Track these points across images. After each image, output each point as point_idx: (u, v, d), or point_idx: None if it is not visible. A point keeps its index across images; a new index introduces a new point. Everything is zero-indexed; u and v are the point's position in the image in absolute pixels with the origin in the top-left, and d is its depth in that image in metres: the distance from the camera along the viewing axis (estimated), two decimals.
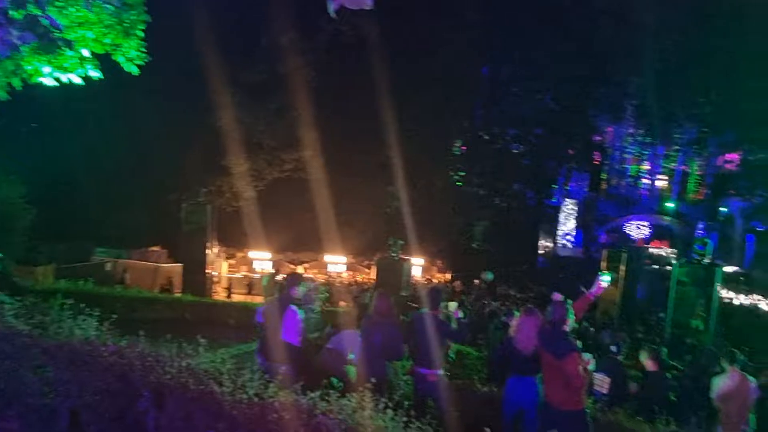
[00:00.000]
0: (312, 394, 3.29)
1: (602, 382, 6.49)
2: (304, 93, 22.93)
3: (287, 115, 24.09)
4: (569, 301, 5.30)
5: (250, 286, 22.83)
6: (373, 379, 3.96)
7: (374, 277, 18.86)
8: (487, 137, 34.93)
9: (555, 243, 38.05)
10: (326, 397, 3.31)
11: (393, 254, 16.34)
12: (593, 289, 5.58)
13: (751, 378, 6.40)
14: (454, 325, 6.09)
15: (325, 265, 27.82)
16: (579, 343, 5.55)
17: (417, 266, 24.60)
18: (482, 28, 30.75)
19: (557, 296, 5.65)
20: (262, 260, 25.97)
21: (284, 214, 25.85)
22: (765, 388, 6.73)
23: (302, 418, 3.11)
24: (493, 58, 34.11)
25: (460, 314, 6.49)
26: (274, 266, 25.72)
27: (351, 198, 26.62)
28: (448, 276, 27.72)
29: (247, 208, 24.73)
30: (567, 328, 5.12)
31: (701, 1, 32.86)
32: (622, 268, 18.37)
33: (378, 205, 29.16)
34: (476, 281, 19.60)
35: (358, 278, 26.06)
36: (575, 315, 5.21)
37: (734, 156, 40.92)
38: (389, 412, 3.22)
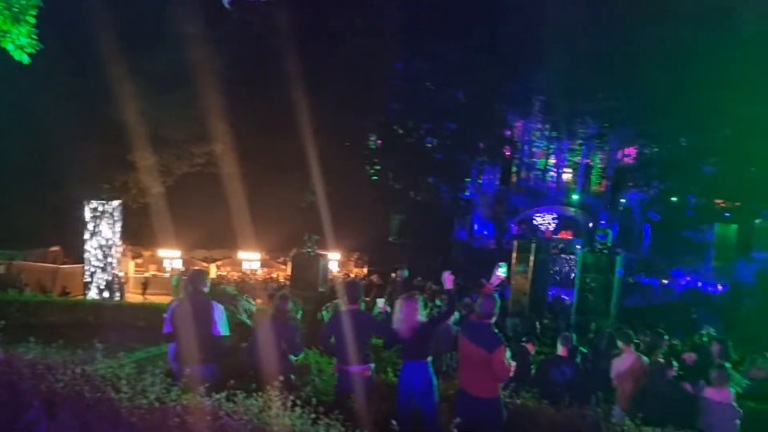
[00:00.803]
0: (217, 396, 3.17)
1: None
2: (214, 84, 22.22)
3: (196, 107, 23.26)
4: (496, 295, 5.39)
5: (145, 285, 22.18)
6: (281, 377, 3.88)
7: (290, 274, 18.61)
8: (401, 131, 35.31)
9: (469, 235, 39.06)
10: (233, 398, 3.20)
11: (308, 249, 16.19)
12: (492, 280, 5.77)
13: (644, 357, 6.82)
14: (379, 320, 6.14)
15: (239, 263, 27.24)
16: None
17: (334, 261, 24.54)
18: (394, 22, 31.00)
19: (448, 278, 5.68)
20: (172, 258, 25.11)
21: (195, 210, 25.02)
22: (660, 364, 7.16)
23: (206, 420, 2.99)
24: (405, 53, 34.50)
25: (388, 309, 6.53)
26: (184, 264, 24.96)
27: (266, 193, 26.15)
28: (365, 270, 27.84)
29: (155, 204, 23.75)
30: (492, 320, 5.22)
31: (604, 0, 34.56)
32: (532, 258, 19.02)
33: (294, 199, 28.81)
34: (393, 275, 19.78)
35: (274, 275, 25.69)
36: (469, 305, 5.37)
37: (632, 150, 43.57)
38: (297, 409, 3.16)
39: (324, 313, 9.61)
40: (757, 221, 30.50)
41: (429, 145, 35.90)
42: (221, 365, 5.38)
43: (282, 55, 24.01)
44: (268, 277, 25.11)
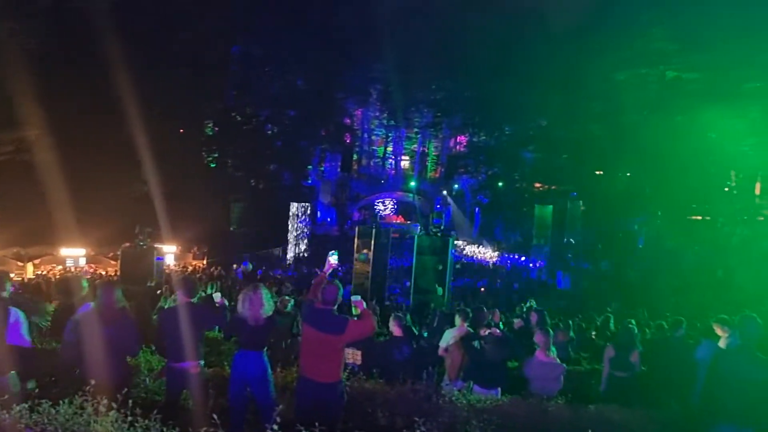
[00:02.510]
0: (17, 407, 2.81)
1: (354, 355, 6.80)
2: (24, 64, 19.90)
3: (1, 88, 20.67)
4: (340, 285, 5.38)
5: None
6: (102, 379, 3.55)
7: (119, 268, 17.35)
8: (239, 118, 34.31)
9: (312, 222, 39.10)
10: (37, 407, 2.86)
11: (140, 243, 15.20)
12: (325, 268, 5.83)
13: (472, 332, 7.29)
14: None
15: (62, 260, 24.84)
16: None
17: (169, 254, 23.30)
18: (228, 7, 29.95)
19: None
20: None
21: (8, 205, 22.36)
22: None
23: None
24: (241, 38, 33.50)
25: (226, 302, 6.27)
26: None
27: (91, 183, 24.09)
28: (205, 262, 26.79)
29: None
30: (335, 306, 5.23)
31: None
32: (372, 243, 19.48)
33: (125, 190, 26.84)
34: (234, 266, 19.23)
35: (103, 271, 23.78)
36: (313, 293, 5.36)
37: (463, 139, 46.31)
38: (112, 413, 2.90)
39: (161, 307, 9.11)
40: (568, 203, 33.85)
41: (269, 133, 35.27)
42: (29, 374, 4.82)
43: (108, 37, 22.14)
44: (95, 273, 23.18)
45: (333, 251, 5.99)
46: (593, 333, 11.76)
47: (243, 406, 5.17)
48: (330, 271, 5.82)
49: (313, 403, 4.90)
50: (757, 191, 27.83)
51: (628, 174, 33.25)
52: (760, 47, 23.85)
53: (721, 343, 6.33)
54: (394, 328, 7.39)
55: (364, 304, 5.56)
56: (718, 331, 6.53)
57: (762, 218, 26.65)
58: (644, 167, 29.75)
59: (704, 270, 22.88)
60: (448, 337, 7.17)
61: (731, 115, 25.55)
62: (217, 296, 6.37)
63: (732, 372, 4.88)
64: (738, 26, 24.61)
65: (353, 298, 5.47)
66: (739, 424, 4.67)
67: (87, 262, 24.77)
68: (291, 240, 31.20)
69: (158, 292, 13.36)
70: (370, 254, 19.05)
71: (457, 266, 27.14)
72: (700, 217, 29.40)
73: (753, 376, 4.74)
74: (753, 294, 16.34)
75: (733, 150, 26.53)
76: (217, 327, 7.21)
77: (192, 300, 5.65)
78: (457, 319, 7.39)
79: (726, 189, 28.85)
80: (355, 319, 5.31)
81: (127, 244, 15.52)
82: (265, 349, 5.40)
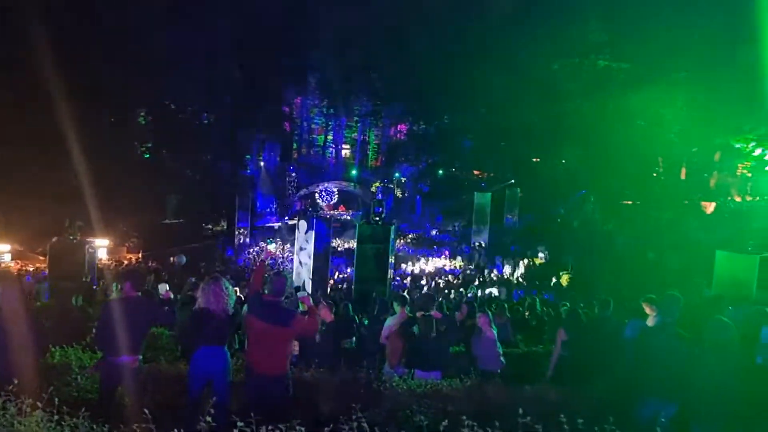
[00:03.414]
0: None
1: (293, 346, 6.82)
2: None
3: None
4: (288, 276, 5.37)
5: None
6: (15, 380, 3.40)
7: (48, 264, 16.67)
8: (174, 107, 33.33)
9: (252, 213, 38.58)
10: None
11: (70, 237, 14.64)
12: (263, 255, 5.82)
13: (412, 316, 7.43)
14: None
15: None
16: None
17: (102, 248, 22.54)
18: None
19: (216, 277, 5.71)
20: None
21: None
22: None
23: None
24: (174, 24, 32.44)
25: (171, 296, 6.15)
26: None
27: (17, 177, 23.00)
28: (140, 255, 26.05)
29: None
30: (282, 298, 5.23)
31: None
32: (313, 233, 19.38)
33: (54, 183, 25.70)
34: (172, 259, 18.80)
35: (30, 267, 22.77)
36: (255, 285, 5.34)
37: (403, 127, 46.57)
38: (38, 413, 2.81)
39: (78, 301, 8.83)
40: (507, 190, 34.61)
41: (206, 122, 34.44)
42: None
43: (31, 24, 21.10)
44: (23, 269, 22.17)
45: (269, 239, 5.98)
46: (526, 314, 12.18)
47: (200, 403, 5.12)
48: (268, 259, 5.81)
49: (261, 396, 4.90)
50: (683, 176, 29.17)
51: (564, 161, 34.22)
52: (688, 37, 24.88)
53: (649, 322, 6.65)
54: (323, 312, 7.43)
55: (311, 300, 5.59)
56: (647, 310, 6.88)
57: (687, 202, 27.98)
58: (579, 154, 30.68)
59: (636, 252, 23.88)
60: (389, 324, 7.27)
61: (659, 103, 26.65)
62: (162, 288, 6.26)
63: (655, 348, 5.16)
64: (667, 16, 25.62)
65: (299, 294, 5.51)
66: (663, 397, 4.94)
67: (12, 258, 23.68)
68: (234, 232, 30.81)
69: (93, 287, 12.94)
70: (312, 245, 18.97)
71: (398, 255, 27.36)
72: (631, 202, 30.60)
73: (675, 352, 5.01)
74: (681, 274, 17.20)
75: (661, 137, 27.69)
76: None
77: (135, 293, 5.53)
78: (396, 306, 7.50)
79: (654, 174, 30.09)
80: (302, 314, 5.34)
81: (56, 239, 14.92)
82: (227, 343, 5.36)
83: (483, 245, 31.25)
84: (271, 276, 5.32)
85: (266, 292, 5.25)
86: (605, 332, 7.10)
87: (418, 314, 7.21)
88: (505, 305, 10.97)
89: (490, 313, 7.60)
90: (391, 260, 16.57)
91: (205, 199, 31.55)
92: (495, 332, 7.39)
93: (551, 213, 33.06)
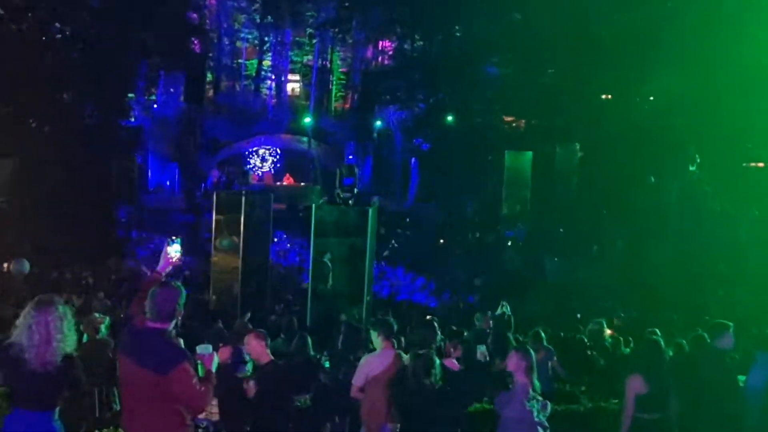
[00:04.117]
0: None
1: (248, 388, 6.86)
2: None
3: None
4: (181, 288, 5.29)
5: None
6: None
7: None
8: (13, 25, 32.64)
9: (139, 187, 38.23)
10: None
11: None
12: (160, 265, 5.74)
13: (405, 356, 7.40)
14: None
15: None
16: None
17: None
18: None
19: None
20: None
21: None
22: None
23: None
24: None
25: None
26: None
27: None
28: None
29: None
30: (171, 325, 5.13)
31: None
32: (243, 219, 19.30)
33: None
34: (6, 266, 18.64)
35: None
36: (135, 307, 5.31)
37: (388, 44, 46.26)
38: None
39: None
40: (557, 147, 34.51)
41: (59, 37, 33.76)
42: None
43: None
44: None
45: (173, 237, 5.90)
46: (588, 344, 12.22)
47: None
48: (169, 269, 5.74)
49: None
50: None
51: (651, 98, 34.22)
52: None
53: None
54: (250, 386, 7.33)
55: (215, 358, 5.42)
56: None
57: None
58: (674, 89, 30.63)
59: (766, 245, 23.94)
60: (366, 367, 7.25)
61: None
62: None
63: None
64: None
65: (199, 349, 5.35)
66: None
67: None
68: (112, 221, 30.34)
69: None
70: (240, 239, 18.88)
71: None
72: (762, 164, 30.63)
73: None
74: None
75: None
76: None
77: None
78: (377, 338, 7.49)
79: None
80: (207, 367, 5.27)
81: None
82: (57, 408, 5.32)
83: (521, 229, 31.28)
84: (154, 288, 5.22)
85: (146, 314, 5.18)
86: (718, 375, 7.10)
87: (419, 353, 7.21)
88: (540, 332, 10.95)
89: (532, 352, 7.43)
90: (370, 265, 16.60)
91: (62, 167, 30.97)
92: (537, 389, 7.24)
93: (630, 183, 33.09)
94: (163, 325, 5.10)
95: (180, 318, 5.49)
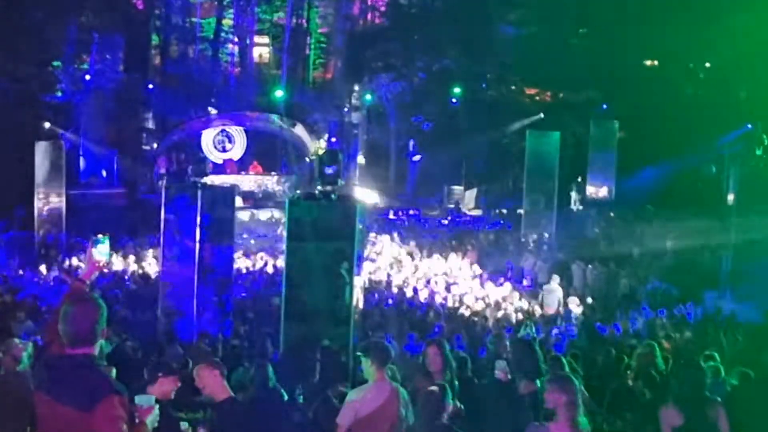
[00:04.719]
0: None
1: None
2: None
3: None
4: (102, 304, 5.25)
5: None
6: None
7: None
8: None
9: (71, 179, 38.18)
10: None
11: None
12: (84, 271, 5.68)
13: (403, 392, 7.39)
14: None
15: None
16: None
17: None
18: None
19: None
20: None
21: None
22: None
23: None
24: None
25: None
26: None
27: None
28: None
29: None
30: (96, 349, 5.11)
31: None
32: (198, 217, 19.28)
33: None
34: None
35: None
36: (51, 329, 5.28)
37: None
38: None
39: None
40: (591, 125, 34.55)
41: None
42: None
43: None
44: None
45: (99, 236, 5.84)
46: (629, 372, 12.23)
47: None
48: (94, 276, 5.69)
49: None
50: None
51: (708, 65, 34.33)
52: None
53: None
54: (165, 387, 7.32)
55: (156, 407, 5.37)
56: None
57: None
58: (740, 51, 30.68)
59: None
60: (356, 406, 7.24)
61: None
62: None
63: None
64: None
65: (138, 399, 5.29)
66: None
67: None
68: (36, 217, 30.29)
69: None
70: (195, 242, 18.87)
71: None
72: None
73: None
74: None
75: None
76: None
77: None
78: (369, 368, 7.47)
79: None
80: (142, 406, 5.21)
81: None
82: None
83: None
84: (65, 307, 5.16)
85: (62, 337, 5.13)
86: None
87: (420, 385, 7.21)
88: (562, 359, 10.94)
89: (576, 381, 7.38)
90: (362, 275, 16.55)
91: None
92: (585, 428, 7.15)
93: (681, 170, 33.15)
94: (85, 350, 5.06)
95: (107, 338, 5.45)
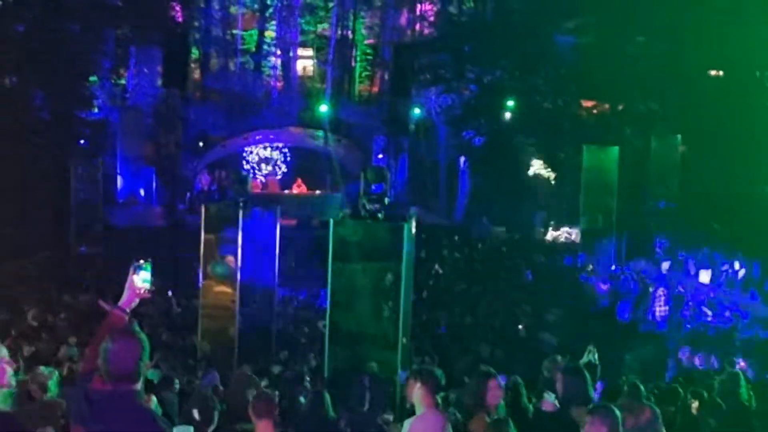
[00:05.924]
0: None
1: None
2: None
3: None
4: (144, 338, 5.20)
5: None
6: None
7: None
8: None
9: (108, 199, 38.39)
10: None
11: None
12: (124, 299, 5.61)
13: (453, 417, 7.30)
14: None
15: None
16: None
17: None
18: None
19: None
20: None
21: None
22: None
23: None
24: None
25: None
26: None
27: None
28: None
29: None
30: (139, 386, 5.07)
31: None
32: (241, 236, 19.34)
33: None
34: None
35: None
36: (89, 360, 5.23)
37: (428, 7, 46.30)
38: None
39: None
40: (652, 140, 34.36)
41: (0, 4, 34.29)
42: None
43: None
44: None
45: (141, 261, 5.76)
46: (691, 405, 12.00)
47: None
48: (135, 304, 5.63)
49: None
50: None
51: None
52: None
53: None
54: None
55: None
56: None
57: None
58: None
59: None
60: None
61: None
62: None
63: None
64: None
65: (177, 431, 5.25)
66: None
67: None
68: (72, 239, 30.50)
69: None
70: (237, 263, 18.89)
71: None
72: None
73: None
74: None
75: None
76: None
77: None
78: (417, 392, 7.38)
79: None
80: None
81: None
82: None
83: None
84: (105, 343, 5.10)
85: (102, 374, 5.08)
86: None
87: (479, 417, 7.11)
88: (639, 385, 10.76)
89: (617, 413, 7.30)
90: (406, 297, 16.49)
91: (10, 171, 31.31)
92: None
93: (750, 186, 32.80)
94: (129, 386, 5.01)
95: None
